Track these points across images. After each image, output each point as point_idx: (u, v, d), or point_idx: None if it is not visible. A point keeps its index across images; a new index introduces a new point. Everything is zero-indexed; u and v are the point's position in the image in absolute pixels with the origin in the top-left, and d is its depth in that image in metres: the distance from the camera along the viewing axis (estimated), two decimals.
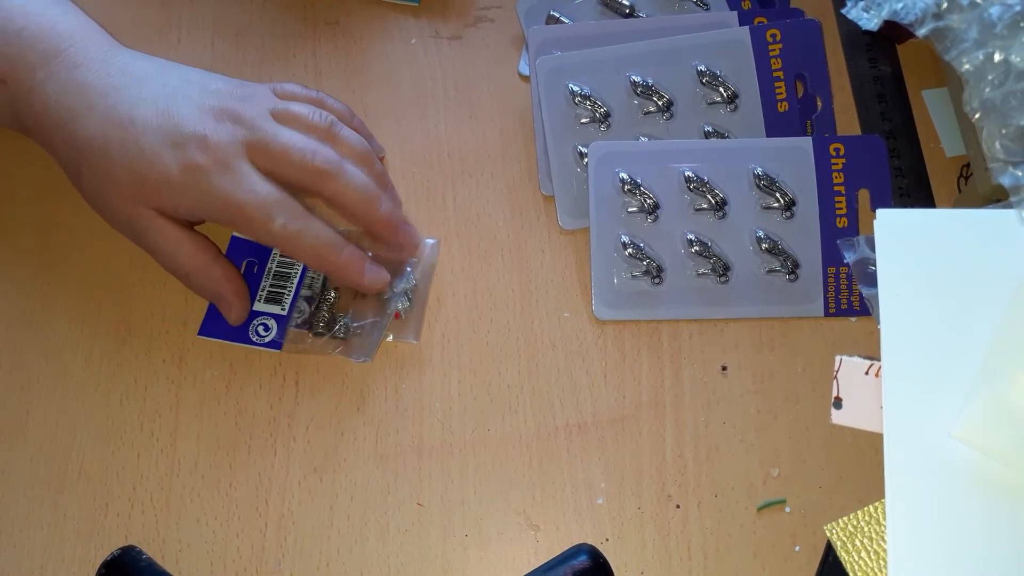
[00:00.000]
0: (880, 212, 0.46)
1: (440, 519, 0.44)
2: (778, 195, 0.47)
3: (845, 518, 0.42)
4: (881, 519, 0.41)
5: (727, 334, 0.47)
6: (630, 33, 0.51)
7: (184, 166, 0.42)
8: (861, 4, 0.51)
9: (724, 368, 0.46)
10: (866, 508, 0.42)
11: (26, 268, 0.50)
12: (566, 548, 0.42)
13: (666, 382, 0.46)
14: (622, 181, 0.48)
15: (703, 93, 0.50)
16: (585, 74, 0.50)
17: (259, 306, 0.47)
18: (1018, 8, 0.44)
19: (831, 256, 0.47)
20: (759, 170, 0.48)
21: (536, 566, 0.42)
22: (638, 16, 0.53)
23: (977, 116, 0.45)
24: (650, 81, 0.50)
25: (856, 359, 0.46)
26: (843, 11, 0.53)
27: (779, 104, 0.50)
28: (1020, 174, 0.43)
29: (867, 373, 0.45)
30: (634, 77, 0.50)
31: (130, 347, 0.48)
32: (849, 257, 0.48)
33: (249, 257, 0.49)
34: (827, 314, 0.47)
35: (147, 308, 0.48)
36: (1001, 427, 0.41)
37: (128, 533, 0.44)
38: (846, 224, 0.48)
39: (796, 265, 0.47)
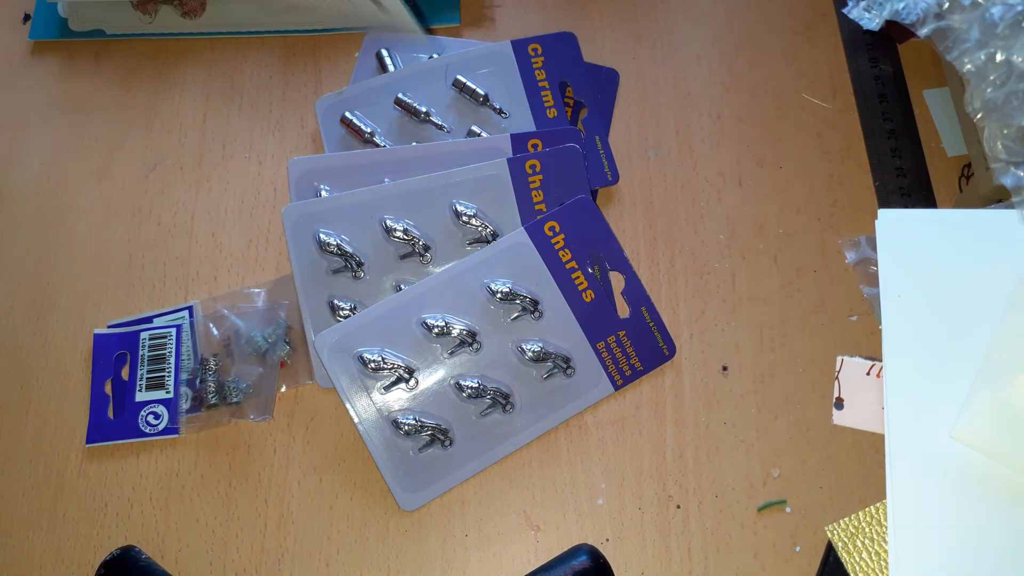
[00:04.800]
0: (882, 212, 0.46)
1: (440, 519, 0.44)
2: (519, 301, 0.45)
3: (846, 519, 0.42)
4: (882, 520, 0.41)
5: (728, 334, 0.47)
6: (396, 163, 0.48)
7: None
8: (863, 4, 0.51)
9: (725, 368, 0.46)
10: (867, 509, 0.42)
11: (26, 268, 0.50)
12: (566, 548, 0.42)
13: (666, 382, 0.46)
14: (364, 362, 0.44)
15: (462, 233, 0.47)
16: (336, 220, 0.47)
17: (142, 395, 0.45)
18: (1020, 8, 0.44)
19: (594, 332, 0.45)
20: (493, 284, 0.45)
21: (536, 566, 0.42)
22: (434, 121, 0.50)
23: (979, 116, 0.44)
24: (404, 225, 0.47)
25: (857, 359, 0.46)
26: (844, 11, 0.53)
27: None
28: (1022, 174, 0.43)
29: (868, 374, 0.45)
30: (388, 221, 0.47)
31: None
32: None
33: (118, 350, 0.46)
34: (617, 388, 0.45)
35: (144, 307, 0.48)
36: (1001, 427, 0.41)
37: (128, 533, 0.44)
38: (592, 296, 0.45)
39: (568, 359, 0.45)
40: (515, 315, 0.45)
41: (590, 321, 0.46)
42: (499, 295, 0.45)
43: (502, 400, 0.44)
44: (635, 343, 0.46)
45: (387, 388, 0.44)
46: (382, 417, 0.44)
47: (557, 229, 0.46)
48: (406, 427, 0.44)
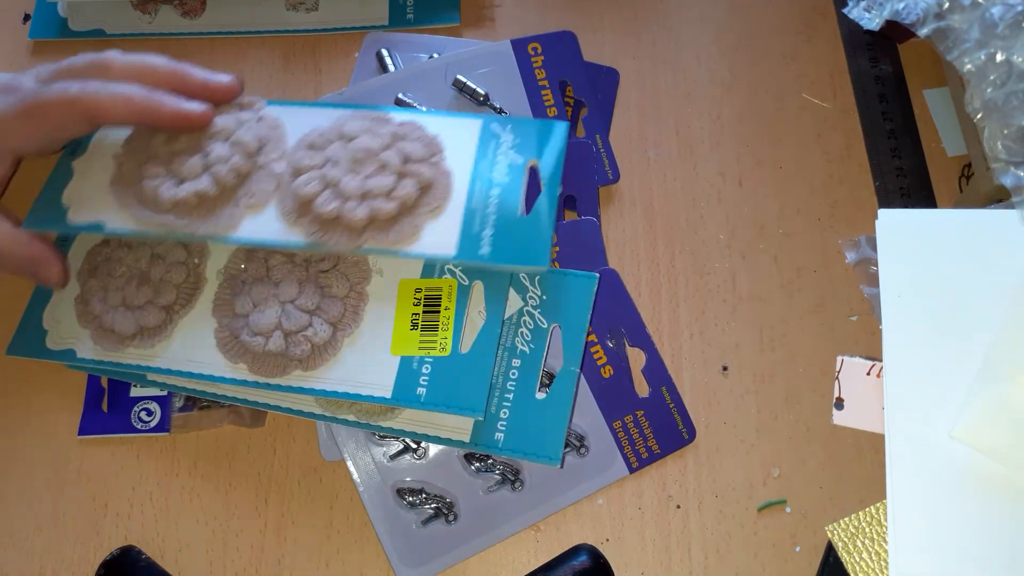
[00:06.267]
0: (882, 212, 0.46)
1: None
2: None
3: (846, 519, 0.42)
4: (882, 519, 0.41)
5: (728, 334, 0.47)
6: None
7: None
8: (863, 4, 0.51)
9: (725, 368, 0.46)
10: (867, 509, 0.42)
11: None
12: (566, 548, 0.42)
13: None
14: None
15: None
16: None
17: (137, 391, 0.45)
18: (1020, 8, 0.44)
19: (611, 412, 0.44)
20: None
21: (536, 566, 0.42)
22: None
23: (979, 116, 0.44)
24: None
25: (857, 359, 0.46)
26: (844, 11, 0.53)
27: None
28: (1022, 174, 0.43)
29: (868, 374, 0.45)
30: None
31: None
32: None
33: None
34: (632, 471, 0.43)
35: None
36: (1001, 427, 0.41)
37: (128, 533, 0.44)
38: (611, 372, 0.44)
39: (582, 438, 0.43)
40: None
41: (608, 398, 0.44)
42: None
43: (511, 476, 0.43)
44: (653, 424, 0.44)
45: (393, 456, 0.43)
46: (386, 485, 0.43)
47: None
48: (410, 497, 0.42)
